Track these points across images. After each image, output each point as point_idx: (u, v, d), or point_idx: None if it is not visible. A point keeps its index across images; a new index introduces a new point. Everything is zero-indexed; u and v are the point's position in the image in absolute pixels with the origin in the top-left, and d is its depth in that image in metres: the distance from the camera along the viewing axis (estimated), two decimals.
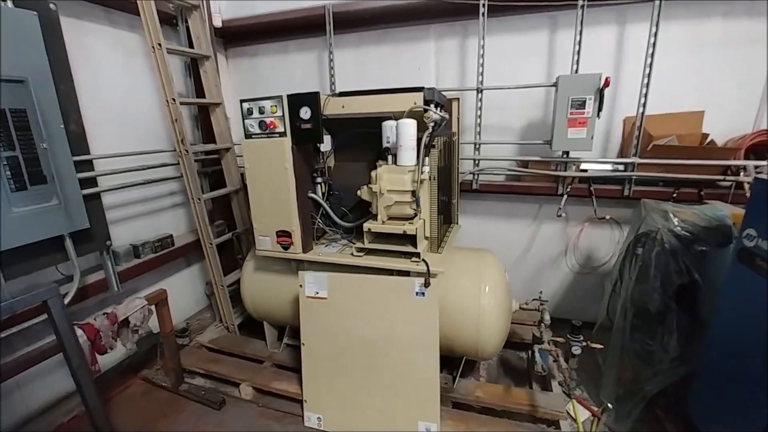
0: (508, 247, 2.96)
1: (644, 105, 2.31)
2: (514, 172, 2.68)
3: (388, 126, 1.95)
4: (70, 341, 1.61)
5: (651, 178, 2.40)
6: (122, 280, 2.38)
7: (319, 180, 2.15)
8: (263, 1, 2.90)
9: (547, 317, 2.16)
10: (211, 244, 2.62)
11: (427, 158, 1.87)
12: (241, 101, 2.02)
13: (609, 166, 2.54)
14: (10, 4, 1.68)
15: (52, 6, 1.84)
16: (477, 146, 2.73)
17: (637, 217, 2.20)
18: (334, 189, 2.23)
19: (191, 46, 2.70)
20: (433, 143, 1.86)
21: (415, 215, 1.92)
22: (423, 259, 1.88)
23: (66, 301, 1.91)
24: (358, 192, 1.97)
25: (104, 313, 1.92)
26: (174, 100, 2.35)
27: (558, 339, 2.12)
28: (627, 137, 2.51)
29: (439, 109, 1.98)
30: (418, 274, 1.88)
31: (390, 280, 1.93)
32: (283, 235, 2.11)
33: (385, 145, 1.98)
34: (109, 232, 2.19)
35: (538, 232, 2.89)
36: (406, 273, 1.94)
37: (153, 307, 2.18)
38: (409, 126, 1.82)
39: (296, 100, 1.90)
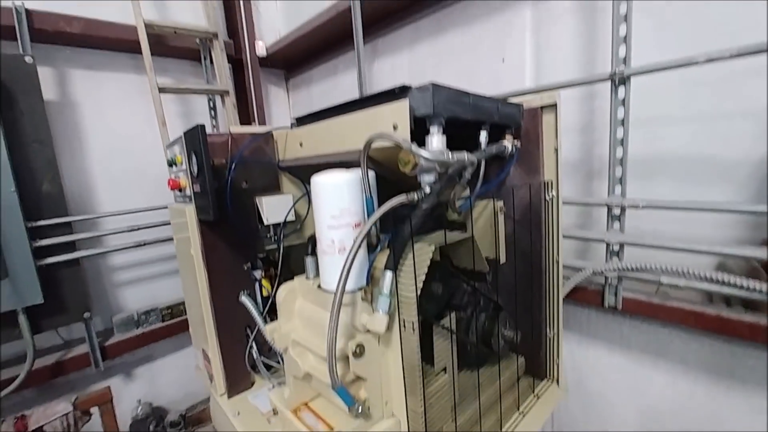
0: None
1: None
2: (735, 283, 1.02)
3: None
4: None
5: None
6: (117, 353, 2.10)
7: (256, 274, 1.23)
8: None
9: None
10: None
11: (389, 273, 0.70)
12: (166, 148, 1.36)
13: None
14: None
15: (28, 59, 1.68)
16: (615, 212, 1.22)
17: None
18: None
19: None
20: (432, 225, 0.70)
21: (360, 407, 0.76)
22: None
23: (15, 384, 1.68)
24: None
25: (15, 417, 1.55)
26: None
27: None
28: None
29: (483, 141, 0.81)
30: None
31: None
32: (206, 357, 1.29)
33: None
34: (109, 298, 2.05)
35: None
36: None
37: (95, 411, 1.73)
38: (332, 195, 0.71)
39: (189, 142, 1.08)
